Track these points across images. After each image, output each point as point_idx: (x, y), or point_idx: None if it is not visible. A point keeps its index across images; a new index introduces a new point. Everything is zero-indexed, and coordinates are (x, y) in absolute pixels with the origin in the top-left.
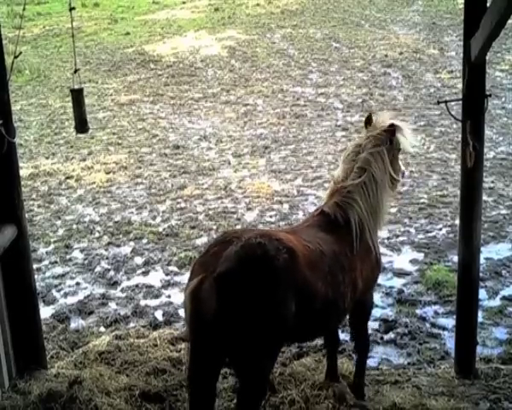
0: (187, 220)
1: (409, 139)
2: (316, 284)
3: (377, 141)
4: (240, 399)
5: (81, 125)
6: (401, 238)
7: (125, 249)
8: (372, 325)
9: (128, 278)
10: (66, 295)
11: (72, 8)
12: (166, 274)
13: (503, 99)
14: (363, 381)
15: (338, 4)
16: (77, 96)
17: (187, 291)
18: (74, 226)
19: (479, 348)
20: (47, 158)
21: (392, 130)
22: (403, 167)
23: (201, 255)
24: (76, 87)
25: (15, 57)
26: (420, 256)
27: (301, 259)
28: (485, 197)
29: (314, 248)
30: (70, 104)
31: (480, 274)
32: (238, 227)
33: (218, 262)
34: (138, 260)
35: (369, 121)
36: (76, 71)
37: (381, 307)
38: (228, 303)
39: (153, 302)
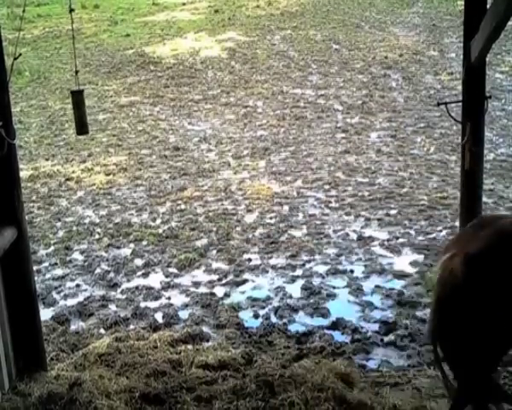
0: (187, 222)
1: None
2: None
3: None
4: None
5: (81, 127)
6: (401, 240)
7: (125, 251)
8: (372, 326)
9: (128, 280)
10: (66, 297)
11: (71, 10)
12: (166, 276)
13: (503, 101)
14: None
15: (338, 6)
16: (77, 97)
17: (439, 263)
18: (74, 228)
19: None
20: (47, 160)
21: None
22: None
23: (456, 236)
24: (76, 89)
25: (15, 59)
26: (420, 258)
27: None
28: (485, 199)
29: None
30: (70, 106)
31: None
32: (239, 229)
33: (471, 244)
34: (138, 261)
35: None
36: (77, 72)
37: (381, 309)
38: (474, 283)
39: (153, 304)
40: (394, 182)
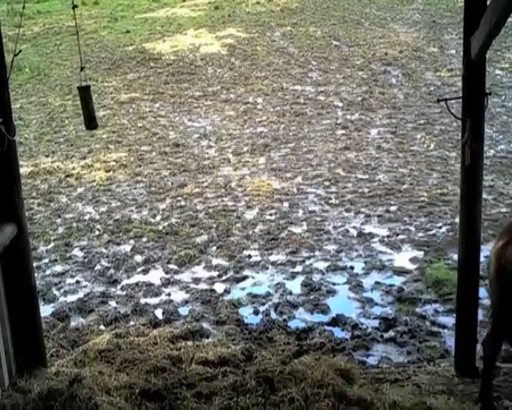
0: (187, 219)
1: None
2: None
3: None
4: None
5: (90, 122)
6: (401, 236)
7: (125, 248)
8: (372, 323)
9: (128, 277)
10: (66, 293)
11: (75, 6)
12: (166, 272)
13: (503, 97)
14: None
15: (338, 2)
16: (84, 93)
17: (493, 249)
18: (74, 225)
19: (479, 347)
20: (47, 156)
21: None
22: None
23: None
24: (83, 84)
25: (15, 55)
26: (420, 254)
27: None
28: (485, 195)
29: None
30: (70, 102)
31: (480, 272)
32: (239, 225)
33: None
34: (138, 258)
35: None
36: (82, 68)
37: (381, 306)
38: None
39: (153, 301)
40: (394, 178)
